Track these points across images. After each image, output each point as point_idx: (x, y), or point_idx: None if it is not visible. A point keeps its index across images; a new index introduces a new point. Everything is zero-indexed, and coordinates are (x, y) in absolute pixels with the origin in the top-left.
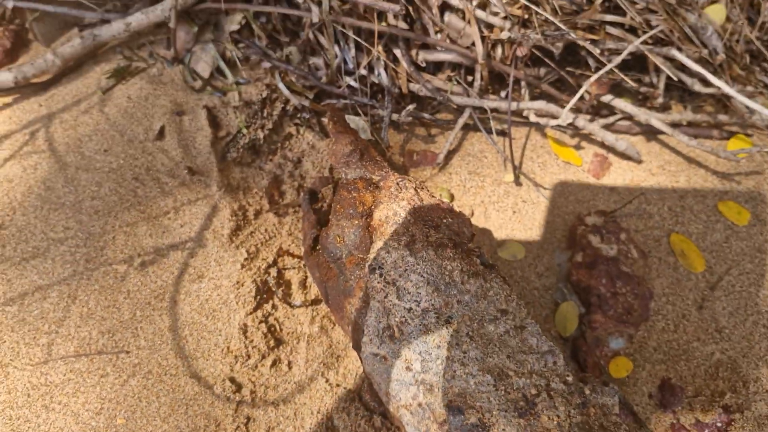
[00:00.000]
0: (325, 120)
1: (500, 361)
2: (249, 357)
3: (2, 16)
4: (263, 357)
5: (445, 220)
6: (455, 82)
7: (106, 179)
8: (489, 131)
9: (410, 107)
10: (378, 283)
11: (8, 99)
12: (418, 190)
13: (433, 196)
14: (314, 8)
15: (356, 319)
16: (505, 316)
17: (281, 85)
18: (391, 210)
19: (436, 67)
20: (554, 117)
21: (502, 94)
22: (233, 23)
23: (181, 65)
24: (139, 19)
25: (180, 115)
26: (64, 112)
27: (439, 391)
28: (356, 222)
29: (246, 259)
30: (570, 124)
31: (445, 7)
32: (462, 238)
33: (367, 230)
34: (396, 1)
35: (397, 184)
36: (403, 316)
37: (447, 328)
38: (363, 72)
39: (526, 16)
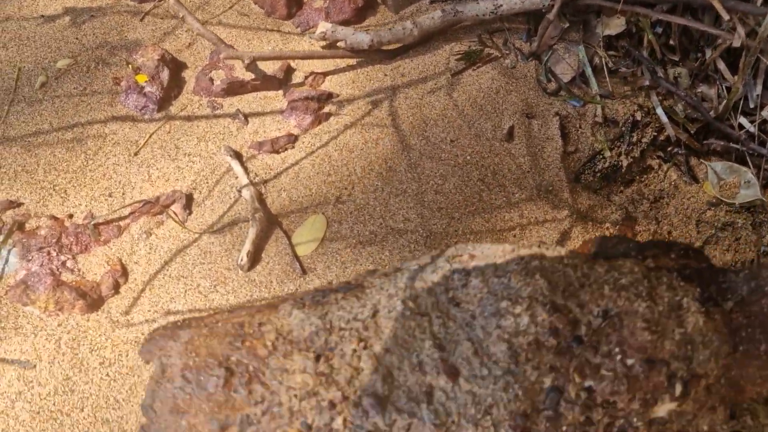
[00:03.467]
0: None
1: None
2: None
3: None
4: None
5: None
6: None
7: (452, 174)
8: None
9: None
10: None
11: (352, 61)
12: None
13: None
14: (740, 29)
15: None
16: None
17: (660, 111)
18: None
19: None
20: None
21: None
22: (611, 27)
23: (536, 62)
24: (511, 3)
25: (530, 117)
26: (409, 88)
27: None
28: None
29: None
30: None
31: None
32: None
33: None
34: None
35: None
36: None
37: None
38: (766, 115)
39: None
